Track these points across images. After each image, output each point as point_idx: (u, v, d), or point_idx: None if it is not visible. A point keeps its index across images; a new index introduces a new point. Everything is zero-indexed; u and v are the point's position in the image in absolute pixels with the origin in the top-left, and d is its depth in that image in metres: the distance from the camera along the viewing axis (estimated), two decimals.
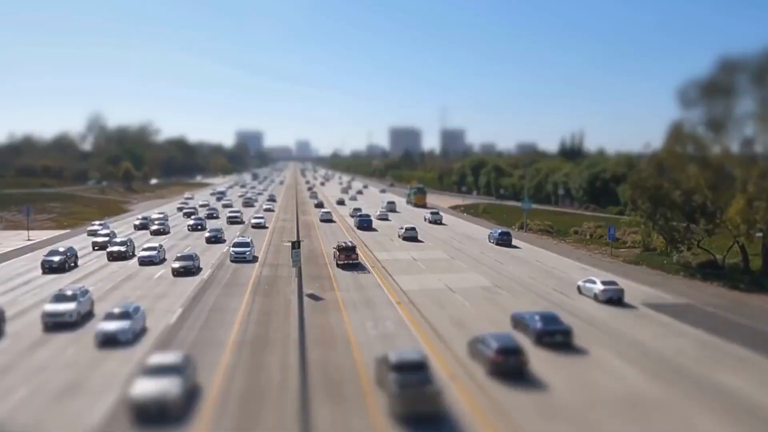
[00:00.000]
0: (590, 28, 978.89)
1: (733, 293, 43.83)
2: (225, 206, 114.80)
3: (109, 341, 29.71)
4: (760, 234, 47.21)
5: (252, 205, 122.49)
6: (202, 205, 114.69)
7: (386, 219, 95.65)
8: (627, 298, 41.15)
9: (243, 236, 65.30)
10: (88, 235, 72.83)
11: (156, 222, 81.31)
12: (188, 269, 48.29)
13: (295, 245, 43.21)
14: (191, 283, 45.12)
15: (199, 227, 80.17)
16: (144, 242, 64.67)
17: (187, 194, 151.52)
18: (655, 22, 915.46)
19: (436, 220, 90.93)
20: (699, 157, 49.26)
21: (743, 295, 43.39)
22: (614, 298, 39.78)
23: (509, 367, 25.81)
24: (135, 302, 35.04)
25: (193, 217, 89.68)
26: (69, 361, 27.82)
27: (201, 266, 51.30)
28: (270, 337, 31.70)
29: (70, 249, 53.85)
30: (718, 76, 47.68)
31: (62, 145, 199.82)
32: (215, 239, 68.31)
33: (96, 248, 62.51)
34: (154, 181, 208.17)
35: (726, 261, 51.21)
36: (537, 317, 31.38)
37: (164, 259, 55.01)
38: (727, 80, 47.34)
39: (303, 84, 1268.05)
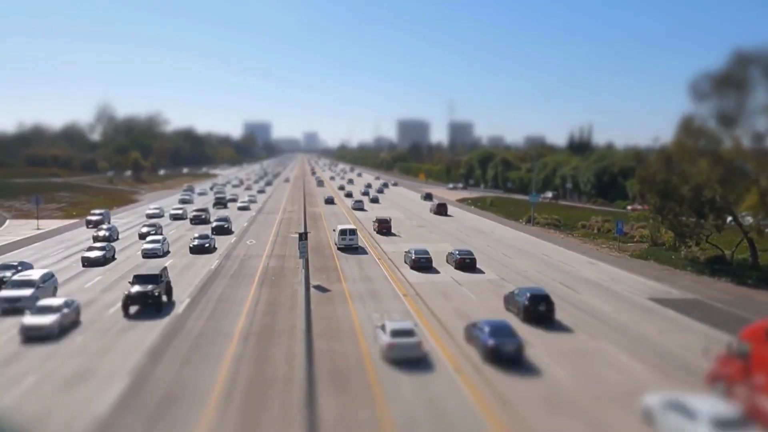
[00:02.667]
0: (599, 24, 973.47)
1: (741, 289, 43.62)
2: None
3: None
4: None
5: None
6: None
7: None
8: (634, 293, 41.12)
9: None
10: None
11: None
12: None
13: (302, 237, 43.29)
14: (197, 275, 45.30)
15: None
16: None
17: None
18: (664, 18, 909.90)
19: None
20: (709, 152, 48.90)
21: (751, 290, 43.16)
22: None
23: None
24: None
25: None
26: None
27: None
28: (276, 327, 31.81)
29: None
30: (731, 69, 47.24)
31: (71, 135, 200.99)
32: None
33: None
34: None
35: (734, 257, 50.95)
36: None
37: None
38: (740, 73, 46.89)
39: (311, 76, 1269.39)
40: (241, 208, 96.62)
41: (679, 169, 50.26)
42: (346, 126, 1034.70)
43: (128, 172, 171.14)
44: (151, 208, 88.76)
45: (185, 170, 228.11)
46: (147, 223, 71.53)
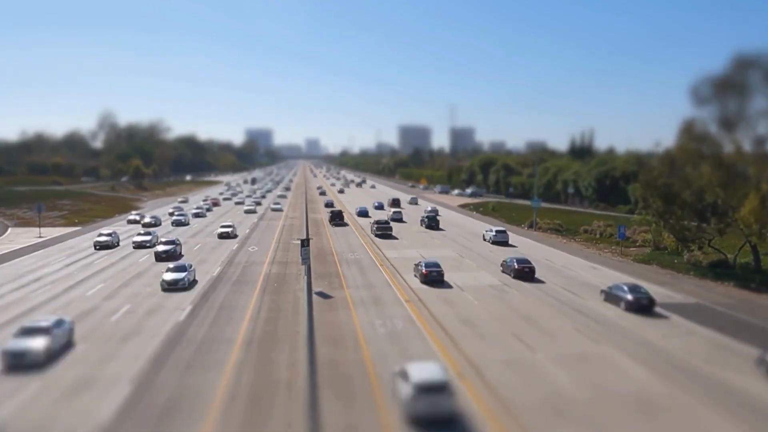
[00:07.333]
0: (600, 28, 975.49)
1: (744, 293, 43.53)
2: None
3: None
4: None
5: None
6: None
7: None
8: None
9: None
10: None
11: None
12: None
13: (304, 243, 43.28)
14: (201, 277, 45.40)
15: None
16: None
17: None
18: (665, 23, 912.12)
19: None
20: (711, 155, 48.88)
21: (754, 294, 43.08)
22: None
23: None
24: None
25: None
26: None
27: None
28: (279, 334, 31.78)
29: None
30: (731, 73, 47.30)
31: (73, 142, 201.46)
32: None
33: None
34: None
35: (737, 260, 50.84)
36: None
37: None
38: (741, 77, 46.95)
39: (313, 83, 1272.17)
40: None
41: (681, 173, 50.25)
42: (348, 132, 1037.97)
43: (124, 178, 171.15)
44: (103, 233, 65.06)
45: (188, 177, 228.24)
46: None
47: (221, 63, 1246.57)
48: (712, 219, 49.80)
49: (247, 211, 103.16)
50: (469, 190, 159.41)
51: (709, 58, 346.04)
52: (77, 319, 34.76)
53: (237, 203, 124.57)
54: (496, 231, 69.26)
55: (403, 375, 22.56)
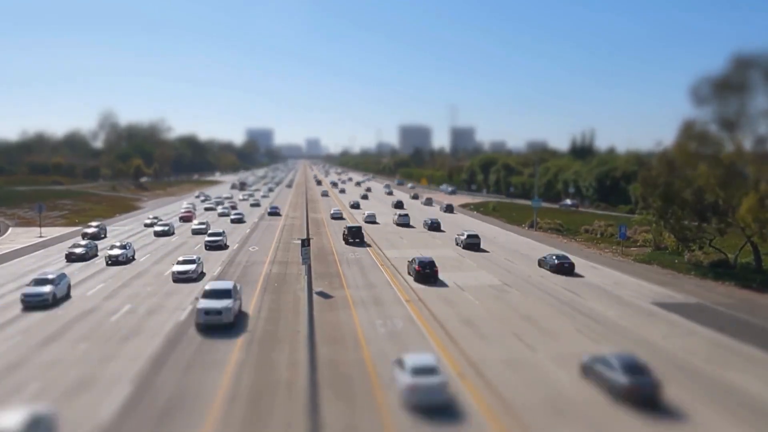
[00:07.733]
0: (600, 28, 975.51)
1: (745, 292, 43.49)
2: None
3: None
4: None
5: None
6: None
7: None
8: (637, 298, 41.00)
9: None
10: None
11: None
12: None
13: (305, 243, 43.27)
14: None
15: None
16: None
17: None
18: (665, 23, 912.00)
19: None
20: (710, 155, 48.85)
21: (755, 294, 43.04)
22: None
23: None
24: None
25: None
26: None
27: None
28: (279, 334, 31.77)
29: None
30: (731, 73, 47.27)
31: (74, 142, 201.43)
32: None
33: None
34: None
35: (738, 260, 50.80)
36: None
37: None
38: (741, 77, 46.92)
39: (313, 83, 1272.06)
40: None
41: (681, 173, 50.20)
42: (348, 132, 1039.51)
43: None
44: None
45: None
46: None
47: (221, 63, 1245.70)
48: (712, 219, 49.76)
49: (179, 279, 45.61)
50: (450, 188, 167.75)
51: (709, 58, 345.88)
52: (77, 318, 34.81)
53: (195, 231, 74.52)
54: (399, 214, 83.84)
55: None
